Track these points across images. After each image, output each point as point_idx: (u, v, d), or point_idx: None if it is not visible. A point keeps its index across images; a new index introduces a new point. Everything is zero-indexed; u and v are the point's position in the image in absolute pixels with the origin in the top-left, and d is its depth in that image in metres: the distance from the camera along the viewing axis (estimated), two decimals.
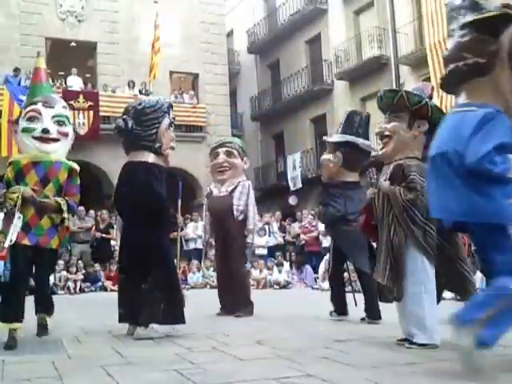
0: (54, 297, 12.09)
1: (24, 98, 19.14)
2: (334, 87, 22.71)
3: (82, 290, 13.07)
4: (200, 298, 7.62)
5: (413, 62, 18.99)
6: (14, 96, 18.25)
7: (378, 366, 3.43)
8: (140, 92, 19.43)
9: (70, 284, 13.04)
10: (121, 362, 3.66)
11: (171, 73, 21.96)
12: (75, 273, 13.28)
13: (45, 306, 5.11)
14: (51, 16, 20.19)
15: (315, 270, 14.51)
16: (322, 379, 3.03)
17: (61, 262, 13.22)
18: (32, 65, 20.91)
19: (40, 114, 4.84)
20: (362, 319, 5.90)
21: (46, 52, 20.12)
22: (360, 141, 6.19)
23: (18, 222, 4.45)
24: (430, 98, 4.50)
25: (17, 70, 18.62)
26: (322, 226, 15.01)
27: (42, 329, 5.04)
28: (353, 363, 3.47)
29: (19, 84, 18.71)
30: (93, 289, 13.32)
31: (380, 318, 5.79)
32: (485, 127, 3.18)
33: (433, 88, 4.68)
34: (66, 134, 4.95)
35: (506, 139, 3.21)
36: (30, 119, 4.84)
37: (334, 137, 6.51)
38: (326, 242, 14.49)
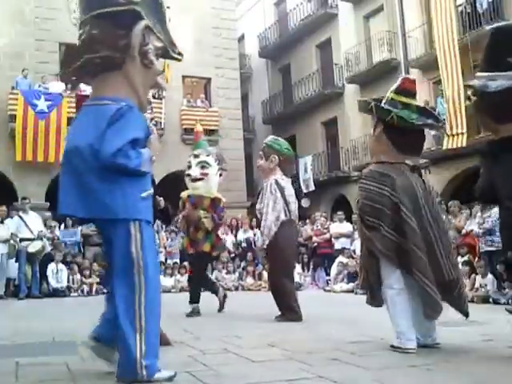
0: (67, 299, 12.18)
1: (38, 102, 19.53)
2: (344, 91, 22.74)
3: (98, 292, 13.11)
4: (212, 300, 7.64)
5: (423, 65, 18.99)
6: (27, 101, 18.42)
7: (390, 367, 3.45)
8: (153, 96, 19.51)
9: (86, 287, 13.12)
10: None
11: (184, 77, 22.07)
12: (89, 275, 13.36)
13: (212, 290, 7.82)
14: (65, 22, 20.08)
15: (327, 272, 14.52)
16: (333, 381, 3.04)
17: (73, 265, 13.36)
18: (46, 70, 21.02)
19: (190, 163, 7.56)
20: None
21: (60, 57, 20.30)
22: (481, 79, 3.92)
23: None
24: (414, 94, 4.34)
25: (24, 71, 18.80)
26: (333, 228, 15.06)
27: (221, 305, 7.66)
28: (364, 365, 3.48)
29: (30, 87, 18.91)
30: (105, 291, 13.35)
31: None
32: (118, 122, 3.14)
33: (414, 81, 4.38)
34: (206, 174, 7.49)
35: (140, 134, 3.21)
36: (188, 167, 7.59)
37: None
38: (338, 244, 14.54)
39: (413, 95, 4.31)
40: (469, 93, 4.18)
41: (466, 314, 4.20)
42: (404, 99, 4.26)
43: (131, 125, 3.17)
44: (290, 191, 6.79)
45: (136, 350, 3.03)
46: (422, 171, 4.37)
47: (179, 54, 3.60)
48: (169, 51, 3.50)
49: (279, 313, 6.56)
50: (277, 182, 6.70)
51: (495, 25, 4.25)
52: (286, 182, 6.83)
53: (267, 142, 7.13)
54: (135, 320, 3.06)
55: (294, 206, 6.78)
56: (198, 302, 7.28)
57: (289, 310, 6.48)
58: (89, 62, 3.32)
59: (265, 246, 6.65)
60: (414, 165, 4.25)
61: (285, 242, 6.61)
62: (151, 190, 3.33)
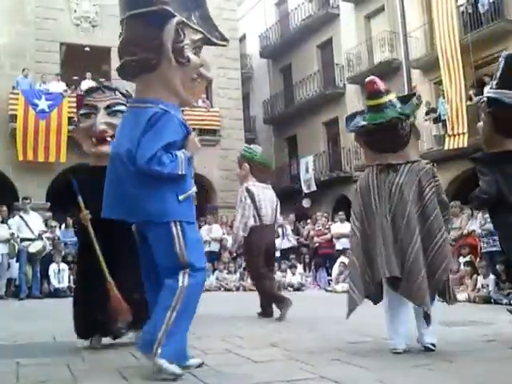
0: (67, 299, 12.19)
1: (38, 102, 19.50)
2: (345, 91, 22.72)
3: None
4: (214, 300, 7.66)
5: (424, 65, 18.98)
6: (28, 100, 18.43)
7: (391, 367, 3.45)
8: None
9: None
10: (135, 365, 3.68)
11: None
12: None
13: None
14: (66, 22, 20.36)
15: (328, 273, 14.53)
16: (334, 381, 3.04)
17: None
18: (47, 70, 21.05)
19: None
20: None
21: (60, 57, 20.33)
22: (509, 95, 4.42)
23: None
24: (378, 92, 4.23)
25: (24, 70, 18.84)
26: (334, 228, 15.06)
27: None
28: (365, 365, 3.48)
29: (31, 87, 18.92)
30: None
31: None
32: (153, 127, 3.17)
33: (371, 81, 4.28)
34: None
35: (175, 137, 3.23)
36: None
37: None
38: (339, 244, 14.54)
39: (377, 94, 4.25)
40: (471, 93, 4.31)
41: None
42: (371, 102, 4.28)
43: (165, 129, 3.19)
44: (262, 197, 7.04)
45: (161, 328, 3.12)
46: (404, 167, 4.20)
47: (224, 39, 3.59)
48: (210, 39, 3.49)
49: (279, 312, 6.72)
50: (247, 189, 6.98)
51: (508, 52, 4.78)
52: (259, 188, 7.09)
53: (241, 150, 7.46)
54: (171, 302, 3.16)
55: (267, 211, 7.05)
56: None
57: (277, 301, 6.78)
58: (126, 64, 3.37)
59: (234, 251, 7.01)
60: (388, 163, 4.20)
61: (256, 247, 6.94)
62: (191, 191, 3.35)
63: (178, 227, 3.21)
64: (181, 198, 3.24)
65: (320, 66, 24.65)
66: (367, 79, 4.36)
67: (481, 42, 16.43)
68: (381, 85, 4.29)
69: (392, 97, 4.26)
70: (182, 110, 3.62)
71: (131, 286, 4.21)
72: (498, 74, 4.57)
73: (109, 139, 4.42)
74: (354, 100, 21.95)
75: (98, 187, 4.28)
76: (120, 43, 3.41)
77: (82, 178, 4.48)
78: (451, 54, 16.69)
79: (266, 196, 7.14)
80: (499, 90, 4.49)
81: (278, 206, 7.36)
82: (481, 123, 4.82)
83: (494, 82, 4.63)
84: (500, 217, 4.64)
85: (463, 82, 16.39)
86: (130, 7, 3.30)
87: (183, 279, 3.20)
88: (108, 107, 4.55)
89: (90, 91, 4.74)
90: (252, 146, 7.75)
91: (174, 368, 3.13)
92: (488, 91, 4.72)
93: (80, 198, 4.35)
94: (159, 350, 3.09)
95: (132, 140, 3.19)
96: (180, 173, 3.22)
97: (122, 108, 4.52)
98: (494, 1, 16.83)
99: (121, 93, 4.71)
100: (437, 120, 17.94)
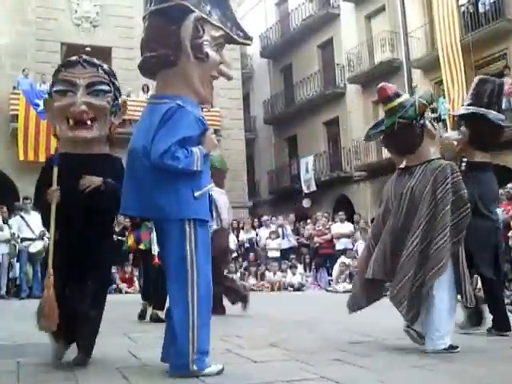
0: None
1: (39, 102, 19.42)
2: (346, 91, 22.74)
3: None
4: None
5: (425, 65, 18.98)
6: (29, 101, 18.43)
7: (392, 368, 3.44)
8: None
9: None
10: (136, 365, 3.68)
11: None
12: None
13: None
14: (66, 22, 20.38)
15: (329, 273, 14.54)
16: (335, 381, 3.03)
17: None
18: (47, 70, 21.04)
19: None
20: (489, 330, 5.05)
21: (61, 57, 20.32)
22: (491, 114, 5.14)
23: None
24: (389, 97, 4.29)
25: (25, 70, 18.84)
26: (334, 228, 15.07)
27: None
28: (366, 365, 3.48)
29: (31, 87, 18.91)
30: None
31: (509, 329, 4.89)
32: (167, 122, 3.16)
33: (381, 88, 4.35)
34: None
35: (190, 133, 3.20)
36: None
37: (460, 109, 5.66)
38: (340, 244, 14.56)
39: (389, 99, 4.28)
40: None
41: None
42: (385, 108, 4.34)
43: (180, 124, 3.17)
44: (221, 202, 7.46)
45: (189, 349, 3.14)
46: (419, 168, 4.21)
47: (247, 38, 3.55)
48: (233, 37, 3.47)
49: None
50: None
51: (481, 76, 5.73)
52: (218, 194, 7.39)
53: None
54: (188, 318, 3.16)
55: (225, 215, 7.55)
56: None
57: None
58: (146, 60, 3.36)
59: None
60: (406, 166, 4.30)
61: (216, 249, 7.13)
62: (207, 188, 3.33)
63: (192, 226, 3.20)
64: (196, 194, 3.21)
65: (320, 65, 24.65)
66: (378, 86, 4.42)
67: (481, 41, 16.44)
68: (390, 90, 4.34)
69: (403, 99, 4.27)
70: (202, 108, 3.56)
71: (86, 300, 3.63)
72: (472, 93, 5.38)
73: (88, 122, 3.83)
74: (354, 100, 21.98)
75: (69, 178, 3.68)
76: (141, 40, 3.40)
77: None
78: (452, 54, 16.69)
79: (223, 201, 7.58)
80: (473, 107, 5.23)
81: (231, 211, 7.93)
82: (452, 134, 5.54)
83: (467, 102, 5.41)
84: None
85: (464, 81, 16.39)
86: (154, 2, 3.30)
87: (192, 291, 3.18)
88: (89, 85, 3.85)
89: (67, 65, 3.94)
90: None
91: (214, 368, 3.23)
92: (465, 108, 5.37)
93: (56, 170, 3.70)
94: (195, 368, 3.14)
95: (147, 136, 3.19)
96: (195, 169, 3.20)
97: (106, 88, 3.94)
98: (495, 0, 16.84)
99: (103, 70, 4.04)
100: (437, 120, 17.94)
